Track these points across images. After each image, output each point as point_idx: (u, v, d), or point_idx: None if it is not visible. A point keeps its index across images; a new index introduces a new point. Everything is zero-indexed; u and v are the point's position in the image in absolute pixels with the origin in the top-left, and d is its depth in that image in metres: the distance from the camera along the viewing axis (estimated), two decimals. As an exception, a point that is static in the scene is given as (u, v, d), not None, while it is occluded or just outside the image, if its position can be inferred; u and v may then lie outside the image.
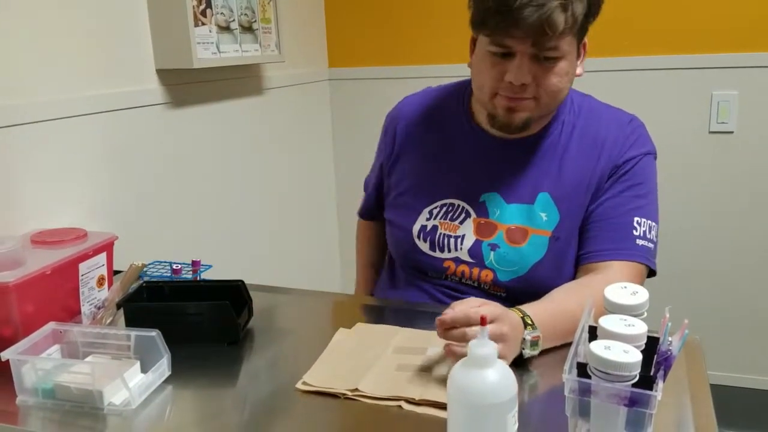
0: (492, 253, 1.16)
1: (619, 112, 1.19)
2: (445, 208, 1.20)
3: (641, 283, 1.09)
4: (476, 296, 0.97)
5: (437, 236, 1.20)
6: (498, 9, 0.99)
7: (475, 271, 1.17)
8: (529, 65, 1.04)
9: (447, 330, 0.89)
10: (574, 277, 1.16)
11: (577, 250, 1.16)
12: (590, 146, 1.14)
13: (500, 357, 0.83)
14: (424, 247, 1.21)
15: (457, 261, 1.19)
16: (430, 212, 1.21)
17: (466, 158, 1.20)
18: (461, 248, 1.18)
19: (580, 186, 1.14)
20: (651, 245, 1.11)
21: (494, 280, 1.16)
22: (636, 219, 1.10)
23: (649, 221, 1.11)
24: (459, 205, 1.19)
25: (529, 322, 0.95)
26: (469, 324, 0.87)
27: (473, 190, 1.18)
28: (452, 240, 1.19)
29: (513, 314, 0.94)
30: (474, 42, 1.13)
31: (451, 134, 1.22)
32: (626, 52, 2.14)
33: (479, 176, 1.19)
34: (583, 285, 1.08)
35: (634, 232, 1.10)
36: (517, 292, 1.13)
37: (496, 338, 0.86)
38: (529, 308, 0.97)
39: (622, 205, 1.12)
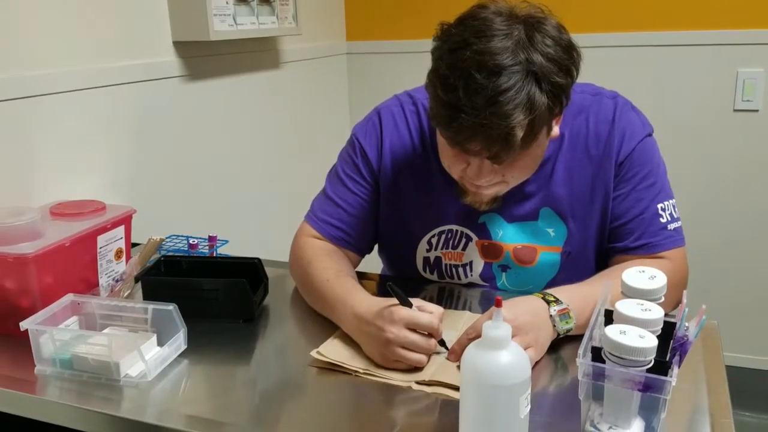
0: (503, 274, 1.12)
1: (600, 103, 1.07)
2: (444, 236, 1.13)
3: (685, 264, 1.06)
4: None
5: (443, 267, 1.15)
6: (448, 123, 0.88)
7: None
8: (491, 166, 0.94)
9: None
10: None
11: (608, 242, 1.09)
12: (583, 151, 1.06)
13: (528, 348, 0.85)
14: (431, 278, 1.17)
15: (471, 286, 1.15)
16: (429, 242, 1.14)
17: (456, 181, 1.05)
18: (472, 274, 1.13)
19: (584, 195, 1.07)
20: (679, 223, 1.07)
21: None
22: (659, 206, 1.05)
23: (668, 201, 1.07)
24: (458, 231, 1.12)
25: (552, 299, 0.92)
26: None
27: (470, 213, 1.09)
28: (460, 269, 1.14)
29: (528, 299, 0.92)
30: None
31: (437, 158, 1.07)
32: (650, 26, 2.08)
33: None
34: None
35: (661, 219, 1.05)
36: None
37: (524, 345, 0.84)
38: (553, 290, 0.95)
39: (640, 200, 1.06)
